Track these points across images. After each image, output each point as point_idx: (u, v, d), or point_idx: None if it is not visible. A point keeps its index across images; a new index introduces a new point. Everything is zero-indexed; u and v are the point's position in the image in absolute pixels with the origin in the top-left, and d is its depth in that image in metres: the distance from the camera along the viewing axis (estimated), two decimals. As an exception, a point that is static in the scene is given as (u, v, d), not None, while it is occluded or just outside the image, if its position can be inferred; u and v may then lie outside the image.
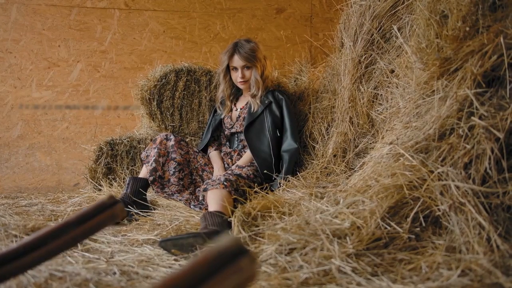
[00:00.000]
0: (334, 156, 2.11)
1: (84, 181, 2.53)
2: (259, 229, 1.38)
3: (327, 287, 1.00)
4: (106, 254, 1.37)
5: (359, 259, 1.13)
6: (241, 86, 2.25)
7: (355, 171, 1.99)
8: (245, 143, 2.21)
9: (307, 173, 2.05)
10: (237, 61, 2.17)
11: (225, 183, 1.77)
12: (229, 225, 1.52)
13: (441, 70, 1.56)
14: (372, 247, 1.19)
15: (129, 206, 1.86)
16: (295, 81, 2.76)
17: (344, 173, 2.01)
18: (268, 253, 1.17)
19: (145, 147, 2.41)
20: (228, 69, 2.24)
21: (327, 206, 1.44)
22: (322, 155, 2.14)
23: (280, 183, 1.93)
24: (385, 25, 2.05)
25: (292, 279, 1.04)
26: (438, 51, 1.56)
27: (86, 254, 1.35)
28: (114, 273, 1.15)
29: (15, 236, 1.43)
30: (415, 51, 1.72)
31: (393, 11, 2.03)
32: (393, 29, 2.03)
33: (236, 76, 2.21)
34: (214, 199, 1.67)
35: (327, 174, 2.06)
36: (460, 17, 1.54)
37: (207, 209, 1.78)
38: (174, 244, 1.31)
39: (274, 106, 2.21)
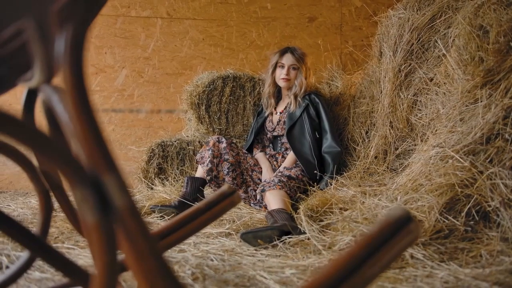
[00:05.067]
0: (375, 157, 2.28)
1: (134, 180, 2.70)
2: (328, 222, 1.55)
3: (407, 270, 1.17)
4: (189, 245, 1.54)
5: (426, 248, 1.30)
6: (282, 83, 2.41)
7: (397, 171, 2.16)
8: (287, 146, 2.38)
9: (352, 173, 2.22)
10: (287, 58, 2.36)
11: (279, 184, 1.94)
12: (293, 220, 1.69)
13: (484, 80, 1.73)
14: (434, 238, 1.36)
15: (191, 203, 2.03)
16: (329, 86, 2.93)
17: (386, 173, 2.18)
18: (345, 242, 1.34)
19: (194, 149, 2.59)
20: (276, 67, 2.41)
21: (385, 202, 1.61)
22: (364, 157, 2.31)
23: (329, 183, 2.09)
24: (424, 36, 2.21)
25: (374, 263, 1.20)
26: (483, 63, 1.73)
27: (174, 244, 1.51)
28: (212, 260, 1.32)
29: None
30: (457, 62, 1.89)
31: (431, 24, 2.19)
32: (431, 40, 2.20)
33: (281, 73, 2.38)
34: (275, 199, 1.84)
35: (370, 174, 2.23)
36: (502, 32, 1.71)
37: (266, 207, 1.96)
38: (254, 236, 1.48)
39: (311, 109, 2.37)
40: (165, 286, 0.45)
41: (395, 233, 0.60)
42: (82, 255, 1.35)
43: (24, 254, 0.85)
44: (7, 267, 1.15)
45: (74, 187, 0.44)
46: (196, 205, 1.03)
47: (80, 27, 0.45)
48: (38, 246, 0.79)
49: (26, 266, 0.83)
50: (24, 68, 0.70)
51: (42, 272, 1.15)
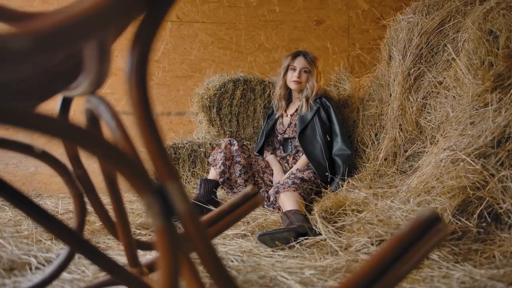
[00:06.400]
0: (385, 159, 2.32)
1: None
2: (343, 224, 1.59)
3: (424, 270, 1.20)
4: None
5: (440, 249, 1.34)
6: (293, 86, 2.44)
7: (407, 173, 2.19)
8: (299, 148, 2.42)
9: (362, 175, 2.26)
10: (299, 61, 2.40)
11: (293, 186, 1.98)
12: (308, 221, 1.72)
13: (494, 85, 1.76)
14: (448, 239, 1.40)
15: (205, 205, 2.07)
16: (337, 89, 2.97)
17: (396, 175, 2.21)
18: (361, 244, 1.38)
19: (205, 151, 2.63)
20: (287, 70, 2.46)
21: (398, 205, 1.64)
22: (374, 159, 2.35)
23: (340, 185, 2.13)
24: (433, 40, 2.24)
25: (391, 264, 1.24)
26: (492, 68, 1.77)
27: (193, 245, 1.55)
28: (232, 261, 1.36)
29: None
30: (467, 66, 1.92)
31: (440, 29, 2.23)
32: (440, 44, 2.24)
33: (292, 75, 2.42)
34: (289, 200, 1.87)
35: (380, 176, 2.27)
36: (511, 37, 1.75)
37: (279, 209, 1.99)
38: (271, 237, 1.52)
39: (322, 112, 2.41)
40: (223, 286, 0.49)
41: (425, 232, 0.64)
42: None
43: (64, 251, 0.89)
44: (36, 268, 1.19)
45: (142, 195, 0.48)
46: (221, 207, 1.07)
47: (145, 48, 0.49)
48: (78, 242, 0.83)
49: (67, 261, 0.88)
50: (70, 79, 0.74)
51: (69, 273, 1.18)
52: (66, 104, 0.97)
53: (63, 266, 0.86)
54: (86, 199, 1.00)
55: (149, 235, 1.63)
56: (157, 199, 0.48)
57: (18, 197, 0.74)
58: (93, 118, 0.82)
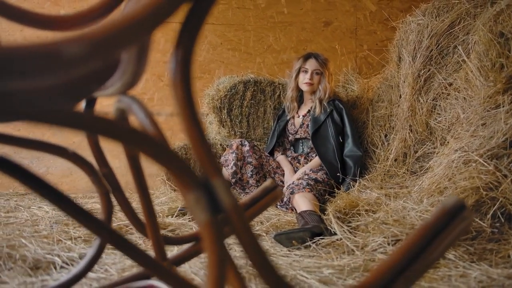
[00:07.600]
0: (395, 160, 2.33)
1: (157, 182, 2.76)
2: (357, 224, 1.60)
3: (441, 270, 1.22)
4: (223, 245, 1.60)
5: (455, 249, 1.35)
6: (305, 87, 2.47)
7: (417, 174, 2.21)
8: (311, 148, 2.44)
9: (372, 175, 2.28)
10: (311, 63, 2.42)
11: (308, 187, 2.00)
12: (323, 222, 1.74)
13: (505, 87, 1.78)
14: (463, 239, 1.41)
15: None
16: (346, 90, 2.99)
17: (407, 175, 2.23)
18: (378, 243, 1.39)
19: (216, 152, 2.65)
20: (299, 72, 2.48)
21: (411, 205, 1.66)
22: (384, 159, 2.36)
23: (352, 185, 2.15)
24: (443, 42, 2.26)
25: (408, 263, 1.26)
26: (503, 70, 1.78)
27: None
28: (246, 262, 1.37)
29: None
30: (478, 68, 1.94)
31: (450, 31, 2.25)
32: (450, 46, 2.25)
33: (304, 77, 2.44)
34: (304, 201, 1.89)
35: (390, 176, 2.28)
36: (523, 40, 1.76)
37: (293, 209, 2.01)
38: (287, 237, 1.53)
39: (335, 114, 2.43)
40: (268, 280, 0.51)
41: (451, 220, 0.65)
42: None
43: (94, 244, 0.91)
44: (61, 267, 1.21)
45: (189, 191, 0.50)
46: (241, 201, 1.08)
47: (189, 47, 0.52)
48: (111, 234, 0.84)
49: (99, 252, 0.90)
50: (104, 79, 0.76)
51: (92, 272, 1.20)
52: (91, 102, 0.99)
53: (96, 257, 0.88)
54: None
55: (166, 235, 1.65)
56: (204, 194, 0.50)
57: (49, 190, 0.75)
58: (123, 118, 0.84)
